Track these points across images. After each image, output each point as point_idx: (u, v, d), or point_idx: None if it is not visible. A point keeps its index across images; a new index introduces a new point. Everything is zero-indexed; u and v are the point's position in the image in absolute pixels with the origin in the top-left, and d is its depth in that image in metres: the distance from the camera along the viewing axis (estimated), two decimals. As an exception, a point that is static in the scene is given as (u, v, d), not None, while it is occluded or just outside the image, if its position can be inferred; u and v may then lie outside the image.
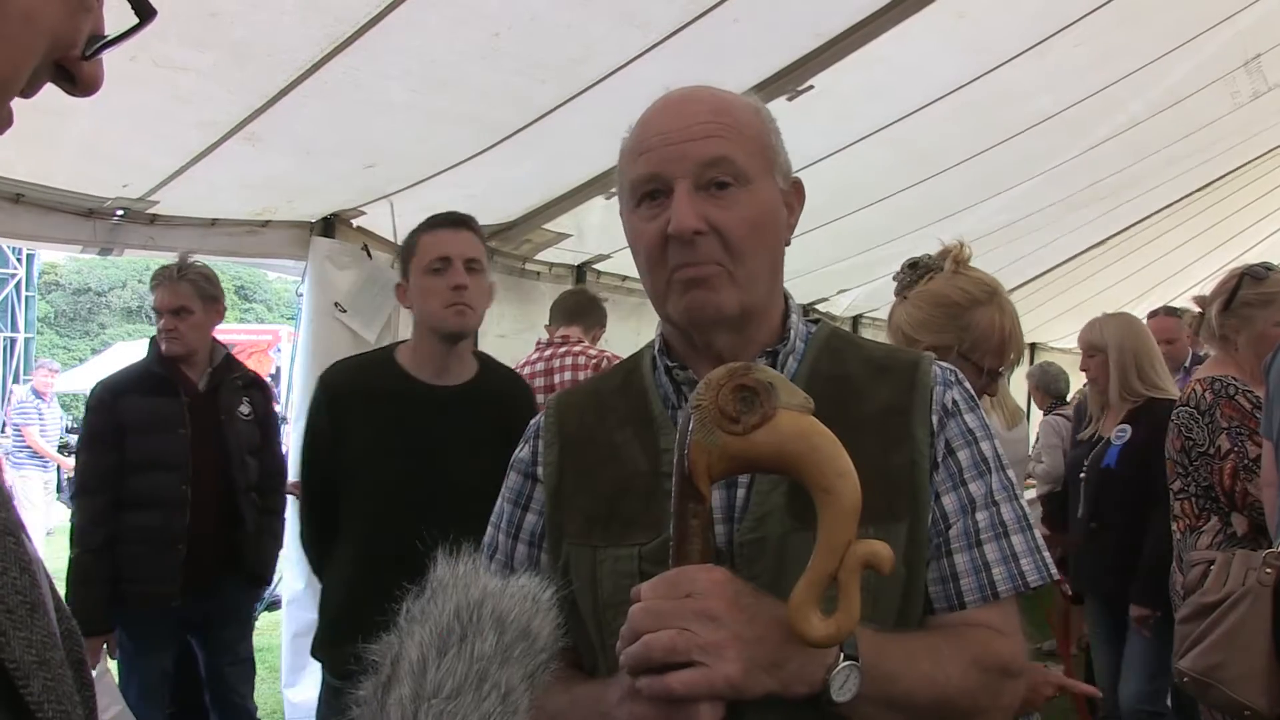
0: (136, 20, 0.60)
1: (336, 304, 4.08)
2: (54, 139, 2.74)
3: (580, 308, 4.17)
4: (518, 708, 0.66)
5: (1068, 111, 4.62)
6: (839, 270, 6.30)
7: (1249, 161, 7.03)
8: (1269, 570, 2.32)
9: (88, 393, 3.56)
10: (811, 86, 3.58)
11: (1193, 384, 2.97)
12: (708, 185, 1.05)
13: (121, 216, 3.43)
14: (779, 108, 3.61)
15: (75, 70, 0.59)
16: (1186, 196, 7.29)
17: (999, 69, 3.95)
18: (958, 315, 1.95)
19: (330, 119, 3.14)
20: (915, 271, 2.06)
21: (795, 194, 1.15)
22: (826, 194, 4.47)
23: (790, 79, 3.53)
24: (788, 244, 1.14)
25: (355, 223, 4.20)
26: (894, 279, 2.15)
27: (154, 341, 3.29)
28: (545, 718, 0.73)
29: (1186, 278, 8.73)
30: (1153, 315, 4.64)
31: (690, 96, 1.10)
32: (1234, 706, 2.27)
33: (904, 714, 0.98)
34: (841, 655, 0.91)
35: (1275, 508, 2.54)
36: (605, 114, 3.35)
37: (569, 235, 4.75)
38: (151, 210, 3.47)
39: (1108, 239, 7.69)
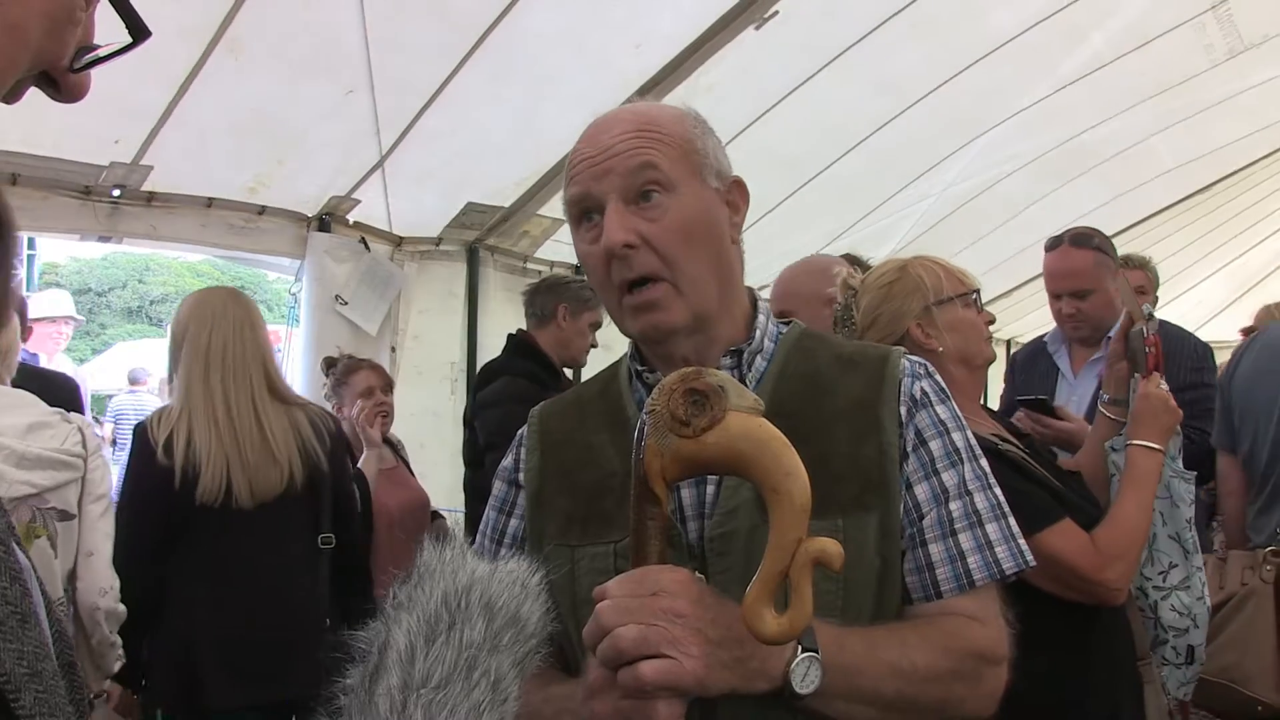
0: (130, 40, 0.59)
1: (337, 297, 4.07)
2: (39, 96, 2.75)
3: None
4: (508, 696, 0.65)
5: (1028, 35, 4.57)
6: (842, 247, 6.22)
7: (1251, 163, 7.00)
8: (1269, 568, 2.36)
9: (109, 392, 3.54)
10: (777, 12, 3.64)
11: None
12: (636, 198, 1.08)
13: (119, 196, 3.41)
14: (748, 40, 3.75)
15: (61, 80, 0.59)
16: (1186, 198, 7.26)
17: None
18: (903, 287, 1.88)
19: (305, 26, 3.18)
20: (845, 319, 1.99)
21: (737, 192, 1.17)
22: (806, 141, 4.41)
23: (759, 4, 3.61)
24: (735, 242, 1.16)
25: (351, 217, 4.18)
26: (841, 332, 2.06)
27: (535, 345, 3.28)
28: (520, 714, 0.73)
29: (1188, 278, 8.69)
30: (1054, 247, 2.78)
31: (614, 116, 1.14)
32: (1247, 704, 2.32)
33: (873, 706, 0.99)
34: (800, 648, 0.92)
35: (1236, 516, 2.62)
36: (575, 35, 3.50)
37: (566, 221, 4.71)
38: (147, 186, 3.45)
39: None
